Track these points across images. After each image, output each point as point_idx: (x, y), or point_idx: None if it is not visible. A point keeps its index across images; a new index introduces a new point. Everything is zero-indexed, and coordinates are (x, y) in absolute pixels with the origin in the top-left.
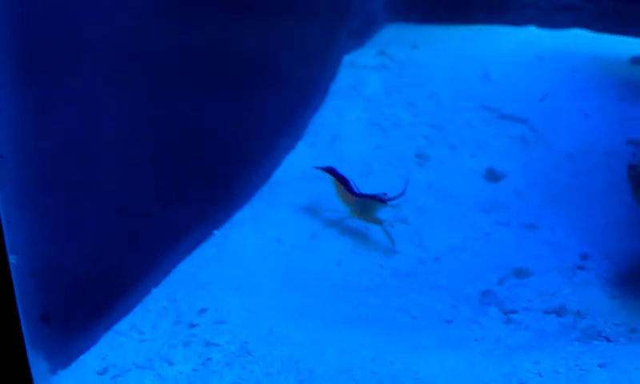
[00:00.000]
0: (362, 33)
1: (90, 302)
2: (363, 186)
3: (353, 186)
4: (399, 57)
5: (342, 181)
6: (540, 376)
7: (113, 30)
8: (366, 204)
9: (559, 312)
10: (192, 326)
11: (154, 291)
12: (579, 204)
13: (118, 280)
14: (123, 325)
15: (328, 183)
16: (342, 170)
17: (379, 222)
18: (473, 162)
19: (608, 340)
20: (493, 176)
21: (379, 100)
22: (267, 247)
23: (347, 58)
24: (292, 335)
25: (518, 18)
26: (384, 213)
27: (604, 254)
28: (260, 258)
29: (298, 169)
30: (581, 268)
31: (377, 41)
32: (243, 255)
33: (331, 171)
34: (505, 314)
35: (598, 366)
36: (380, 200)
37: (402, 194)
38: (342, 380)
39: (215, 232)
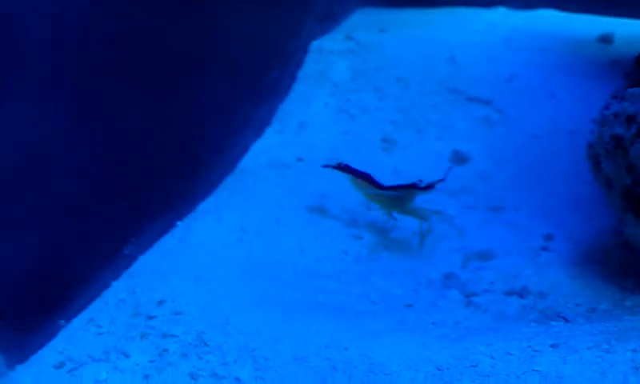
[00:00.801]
0: (330, 17)
1: (45, 297)
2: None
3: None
4: (366, 41)
5: (363, 176)
6: (492, 358)
7: (55, 29)
8: (400, 196)
9: (520, 293)
10: (150, 317)
11: (114, 284)
12: (544, 185)
13: (73, 275)
14: (81, 319)
15: (296, 172)
16: (311, 157)
17: (420, 215)
18: (439, 145)
19: (566, 320)
20: (459, 158)
21: (346, 86)
22: (230, 236)
23: (315, 44)
24: (249, 324)
25: (486, 0)
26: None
27: (567, 235)
28: (222, 247)
29: (265, 156)
30: (544, 249)
31: (345, 25)
32: (205, 245)
33: (347, 169)
34: (466, 296)
35: (551, 346)
36: (419, 188)
37: (442, 180)
38: (296, 367)
39: (178, 223)
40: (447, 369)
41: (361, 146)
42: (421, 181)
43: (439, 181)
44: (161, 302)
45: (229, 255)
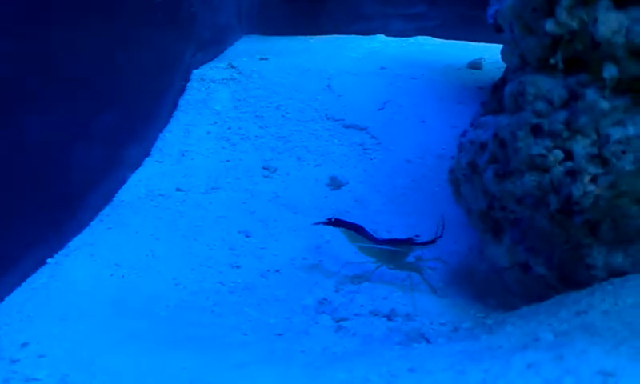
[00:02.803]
0: (214, 44)
1: None
2: (213, 202)
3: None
4: (248, 70)
5: (356, 229)
6: None
7: None
8: (396, 250)
9: (389, 316)
10: (13, 361)
11: None
12: (415, 207)
13: None
14: None
15: (175, 202)
16: (191, 186)
17: (416, 268)
18: (317, 171)
19: (428, 341)
20: (335, 184)
21: (228, 114)
22: (103, 272)
23: (196, 72)
24: (114, 363)
25: (368, 28)
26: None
27: (436, 255)
28: (93, 284)
29: (143, 187)
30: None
31: (228, 54)
32: (75, 283)
33: (339, 223)
34: (336, 321)
35: (408, 370)
36: (416, 243)
37: (440, 237)
38: None
39: (49, 260)
40: None
41: (241, 173)
42: (417, 236)
43: (438, 237)
44: (25, 345)
45: (100, 292)
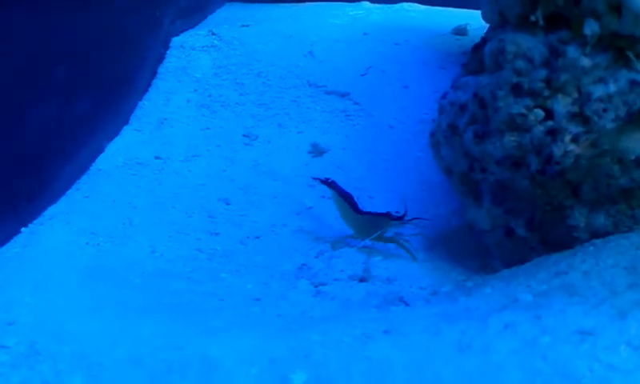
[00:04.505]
0: (194, 13)
1: None
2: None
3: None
4: (229, 36)
5: (346, 196)
6: (324, 347)
7: None
8: (374, 223)
9: (368, 280)
10: None
11: None
12: (397, 172)
13: None
14: None
15: (154, 170)
16: (170, 154)
17: (393, 240)
18: (299, 139)
19: (406, 304)
20: (317, 151)
21: (208, 81)
22: (78, 241)
23: (176, 40)
24: (85, 330)
25: None
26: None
27: (417, 220)
28: (68, 253)
29: (121, 155)
30: (397, 234)
31: (209, 21)
32: (50, 252)
33: (333, 186)
34: (315, 286)
35: (384, 332)
36: (392, 218)
37: (420, 219)
38: (131, 370)
39: (23, 229)
40: (281, 360)
41: (222, 141)
42: (397, 212)
43: (415, 218)
44: None
45: (74, 260)
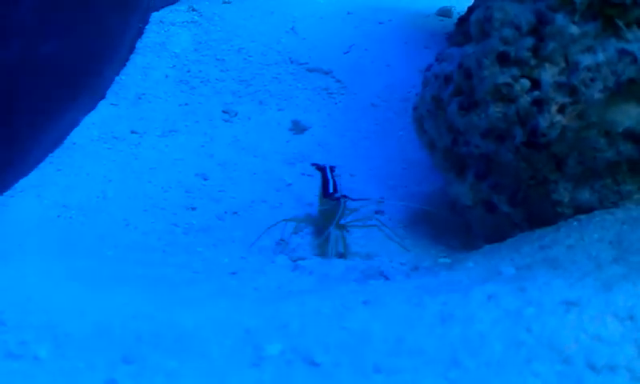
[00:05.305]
0: None
1: None
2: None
3: (330, 187)
4: (209, 12)
5: (324, 181)
6: (302, 317)
7: None
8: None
9: (347, 255)
10: None
11: None
12: (379, 151)
13: None
14: None
15: (130, 145)
16: (146, 129)
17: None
18: (280, 116)
19: (386, 278)
20: (298, 128)
21: (188, 57)
22: (49, 213)
23: (156, 15)
24: (54, 301)
25: None
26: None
27: (399, 197)
28: (39, 225)
29: (96, 129)
30: (378, 212)
31: None
32: (20, 223)
33: (322, 169)
34: (293, 261)
35: (362, 303)
36: (334, 199)
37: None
38: (99, 340)
39: None
40: (256, 331)
41: (200, 117)
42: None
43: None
44: None
45: (45, 233)
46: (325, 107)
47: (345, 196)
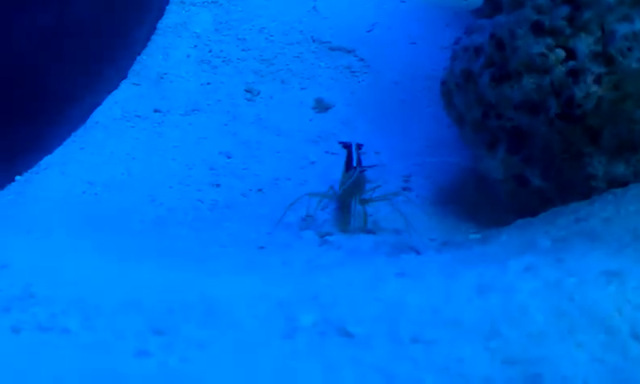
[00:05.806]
0: None
1: None
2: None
3: (355, 164)
4: None
5: (349, 158)
6: (333, 288)
7: None
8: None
9: (375, 231)
10: None
11: None
12: (404, 129)
13: None
14: None
15: (153, 123)
16: (169, 108)
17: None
18: (302, 95)
19: (417, 252)
20: (321, 107)
21: (209, 37)
22: (74, 190)
23: None
24: (82, 274)
25: None
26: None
27: (426, 175)
28: (63, 200)
29: (119, 108)
30: (405, 189)
31: None
32: (45, 199)
33: (348, 147)
34: (321, 236)
35: (396, 274)
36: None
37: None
38: (128, 312)
39: (17, 177)
40: (288, 302)
41: (223, 96)
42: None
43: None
44: None
45: (70, 208)
46: (348, 86)
47: (361, 166)
